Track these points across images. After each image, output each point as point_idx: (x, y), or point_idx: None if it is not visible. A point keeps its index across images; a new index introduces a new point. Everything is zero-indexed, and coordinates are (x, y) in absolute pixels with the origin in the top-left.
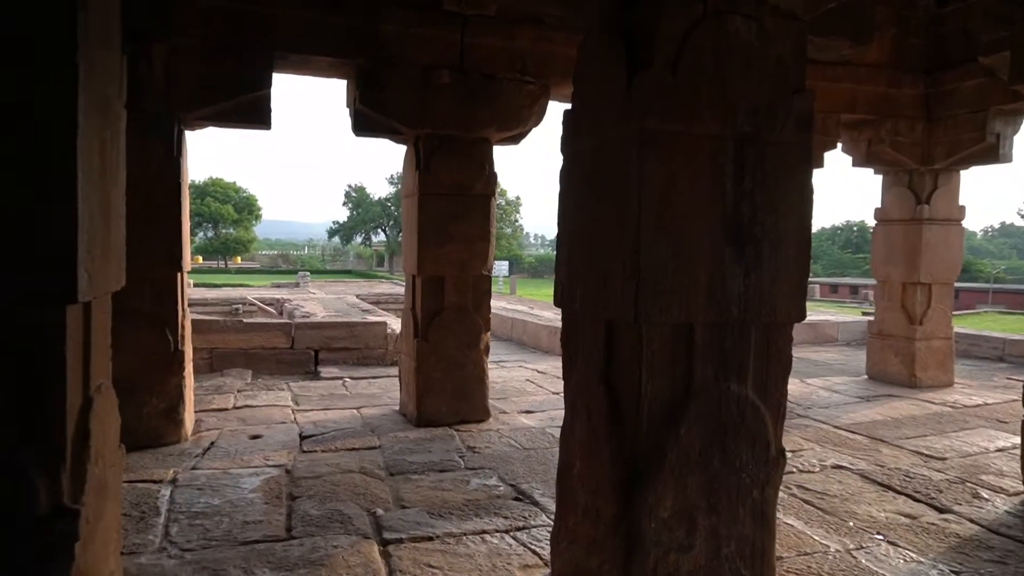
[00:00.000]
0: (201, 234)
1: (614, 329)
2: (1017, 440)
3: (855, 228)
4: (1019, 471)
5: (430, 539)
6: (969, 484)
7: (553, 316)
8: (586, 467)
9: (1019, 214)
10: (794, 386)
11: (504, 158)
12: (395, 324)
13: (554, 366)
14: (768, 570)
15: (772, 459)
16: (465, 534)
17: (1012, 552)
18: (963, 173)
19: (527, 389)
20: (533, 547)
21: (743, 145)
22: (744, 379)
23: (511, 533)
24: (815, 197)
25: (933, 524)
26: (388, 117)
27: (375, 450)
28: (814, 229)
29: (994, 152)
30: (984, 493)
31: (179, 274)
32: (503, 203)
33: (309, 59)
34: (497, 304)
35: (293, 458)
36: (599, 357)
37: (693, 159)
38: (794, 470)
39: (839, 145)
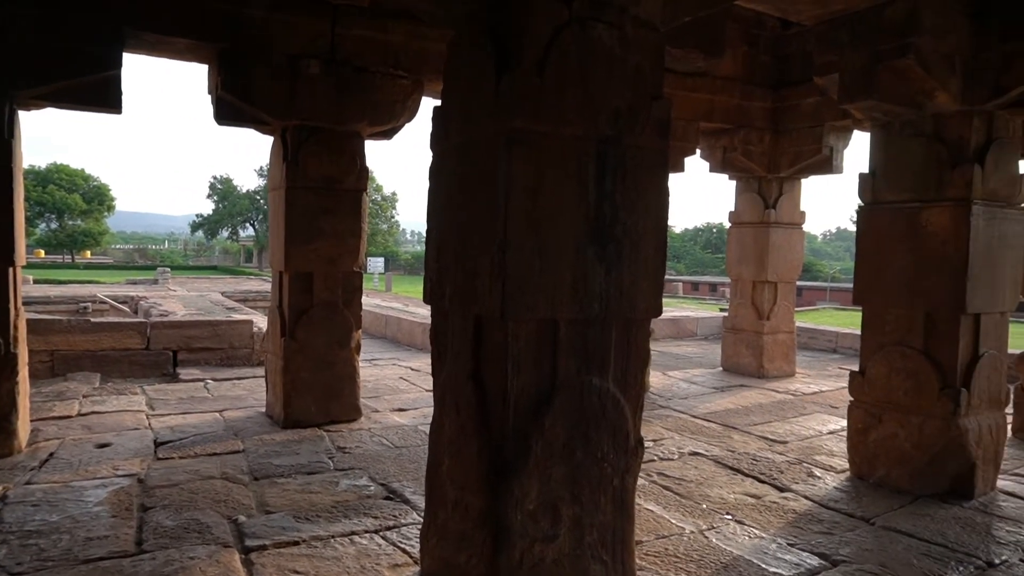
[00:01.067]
0: (43, 226)
1: (482, 325)
2: (846, 423)
3: (714, 230)
4: (846, 451)
5: (296, 544)
6: (805, 464)
7: (428, 313)
8: (455, 463)
9: (852, 220)
10: (657, 378)
11: (380, 153)
12: (263, 322)
13: (428, 363)
14: (627, 555)
15: (631, 449)
16: (333, 536)
17: (838, 523)
18: (805, 181)
19: (400, 387)
20: (403, 546)
21: (605, 147)
22: (606, 373)
23: (381, 533)
24: (679, 199)
25: (775, 502)
26: (253, 106)
27: (239, 454)
28: (678, 230)
29: (828, 164)
30: (817, 472)
31: (11, 269)
32: (379, 199)
33: (165, 39)
34: (371, 301)
35: (147, 466)
36: (468, 353)
37: (559, 159)
38: (655, 458)
39: (698, 151)
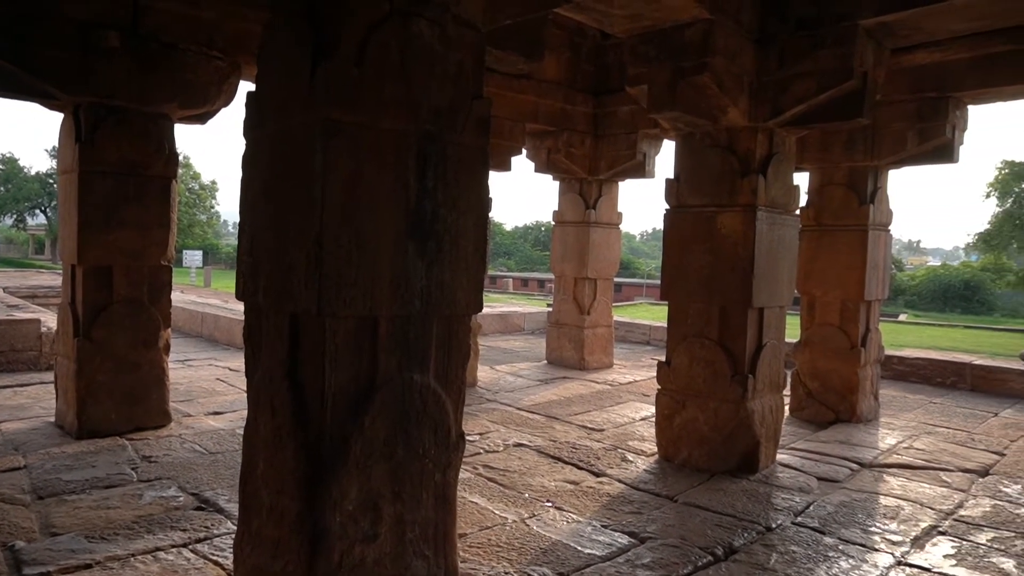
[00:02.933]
0: None
1: (299, 322)
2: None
3: (543, 228)
4: (655, 436)
5: (87, 567)
6: (620, 450)
7: None
8: (271, 466)
9: None
10: (484, 373)
11: (198, 138)
12: (53, 321)
13: None
14: (450, 549)
15: (453, 443)
16: (134, 555)
17: (647, 503)
18: (623, 184)
19: (217, 389)
20: (215, 557)
21: (426, 143)
22: (427, 369)
23: (190, 547)
24: (509, 198)
25: (591, 487)
26: (36, 77)
27: (19, 471)
28: (508, 228)
29: (642, 168)
30: (630, 456)
31: None
32: (196, 187)
33: None
34: (186, 298)
35: None
36: (283, 351)
37: (378, 153)
38: (481, 451)
39: (524, 151)
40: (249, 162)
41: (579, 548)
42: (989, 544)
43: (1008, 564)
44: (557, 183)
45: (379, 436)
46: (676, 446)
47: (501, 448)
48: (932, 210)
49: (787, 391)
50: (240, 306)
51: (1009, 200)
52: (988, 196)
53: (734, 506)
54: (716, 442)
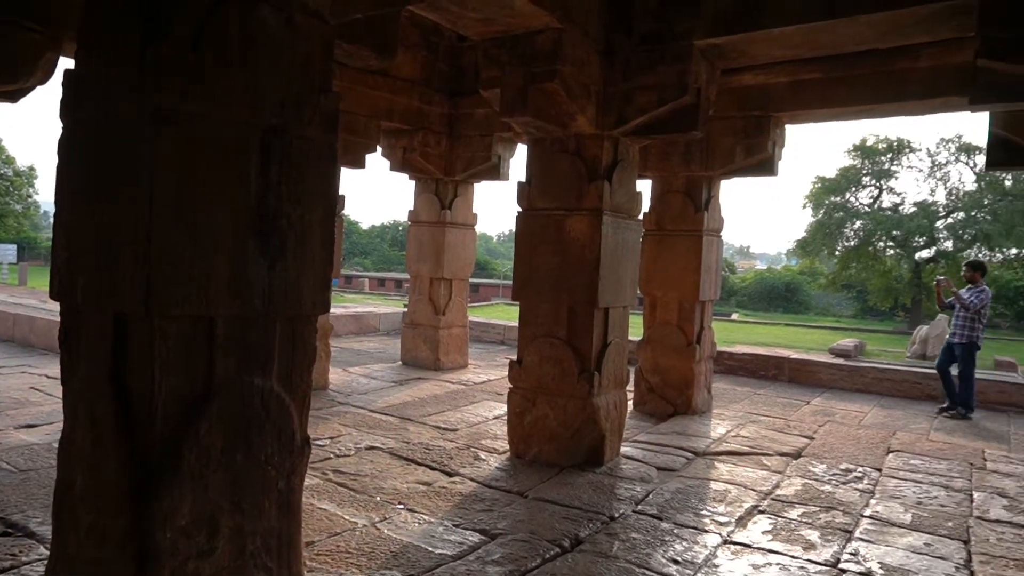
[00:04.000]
0: None
1: (125, 323)
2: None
3: (400, 227)
4: (507, 434)
5: None
6: (473, 449)
7: None
8: (90, 482)
9: None
10: (337, 375)
11: (13, 119)
12: None
13: None
14: (295, 558)
15: (298, 448)
16: None
17: (498, 500)
18: (479, 185)
19: (31, 399)
20: None
21: (270, 136)
22: (269, 372)
23: None
24: (365, 196)
25: (444, 487)
26: None
27: None
28: (365, 227)
29: (496, 171)
30: (483, 455)
31: None
32: (10, 173)
33: None
34: None
35: None
36: (106, 354)
37: (216, 144)
38: (332, 455)
39: (379, 149)
40: (66, 147)
41: (430, 549)
42: (799, 519)
43: (813, 535)
44: (413, 183)
45: (216, 444)
46: (527, 443)
47: (353, 452)
48: (760, 219)
49: (631, 387)
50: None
51: (821, 211)
52: (804, 207)
53: (581, 498)
54: (565, 437)
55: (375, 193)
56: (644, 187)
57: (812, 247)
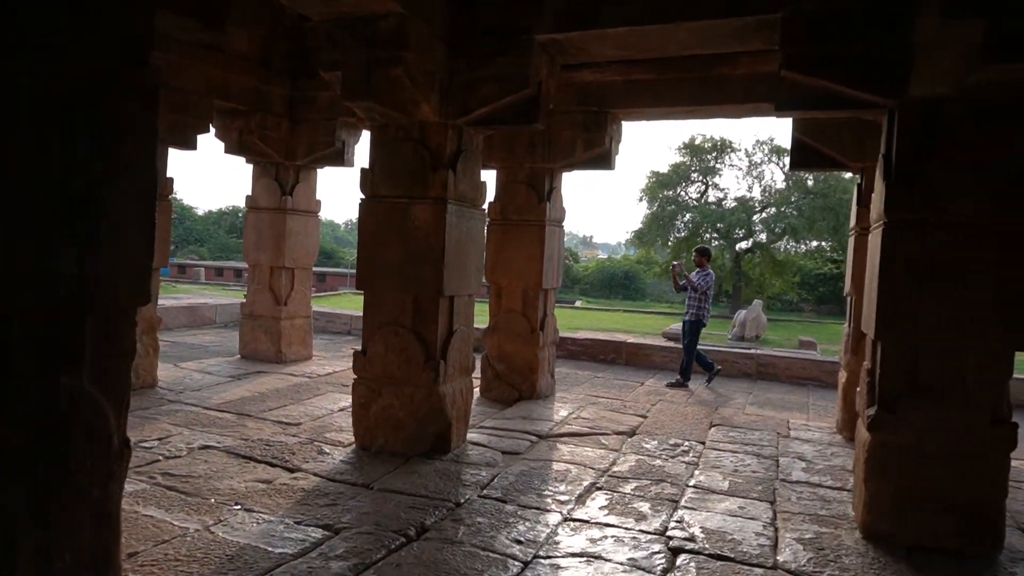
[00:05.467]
0: None
1: None
2: None
3: (240, 213)
4: (352, 426)
5: None
6: (317, 443)
7: None
8: None
9: None
10: (167, 371)
11: None
12: None
13: None
14: (113, 571)
15: (116, 453)
16: None
17: (343, 493)
18: (325, 171)
19: None
20: None
21: (77, 110)
22: (78, 371)
23: None
24: (200, 179)
25: (285, 484)
26: None
27: None
28: (201, 212)
29: (341, 156)
30: (327, 448)
31: None
32: None
33: None
34: None
35: None
36: None
37: (12, 117)
38: (160, 457)
39: (213, 130)
40: None
41: (270, 549)
42: (633, 492)
43: (645, 507)
44: (252, 167)
45: (15, 453)
46: (373, 434)
47: (184, 452)
48: (602, 210)
49: (477, 374)
50: None
51: (655, 204)
52: (641, 200)
53: (427, 486)
54: (411, 426)
55: (212, 177)
56: (489, 177)
57: (648, 238)
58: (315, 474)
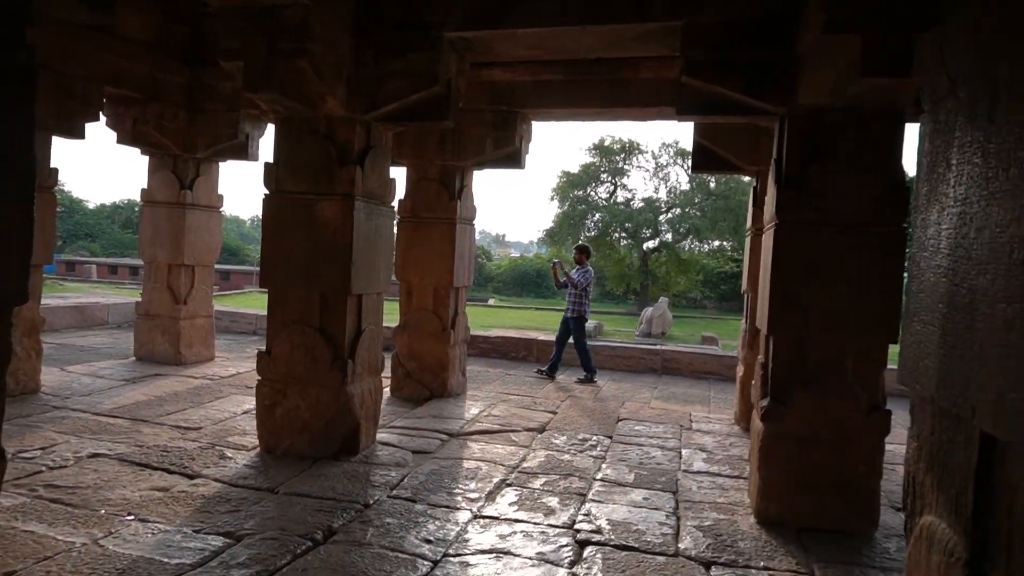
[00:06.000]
0: None
1: None
2: None
3: (136, 207)
4: (256, 429)
5: None
6: (218, 448)
7: None
8: None
9: None
10: (53, 376)
11: None
12: None
13: None
14: None
15: None
16: None
17: (246, 499)
18: (230, 165)
19: None
20: None
21: None
22: None
23: None
24: (92, 171)
25: (184, 492)
26: None
27: None
28: (92, 205)
29: (244, 150)
30: (229, 453)
31: None
32: None
33: None
34: None
35: None
36: None
37: None
38: (43, 468)
39: (103, 118)
40: None
41: (166, 560)
42: (542, 488)
43: (554, 501)
44: (148, 158)
45: None
46: (278, 436)
47: (71, 462)
48: (515, 209)
49: (387, 373)
50: None
51: (566, 204)
52: (552, 199)
53: (335, 489)
54: (318, 428)
55: (106, 169)
56: (399, 174)
57: (559, 236)
58: (216, 480)
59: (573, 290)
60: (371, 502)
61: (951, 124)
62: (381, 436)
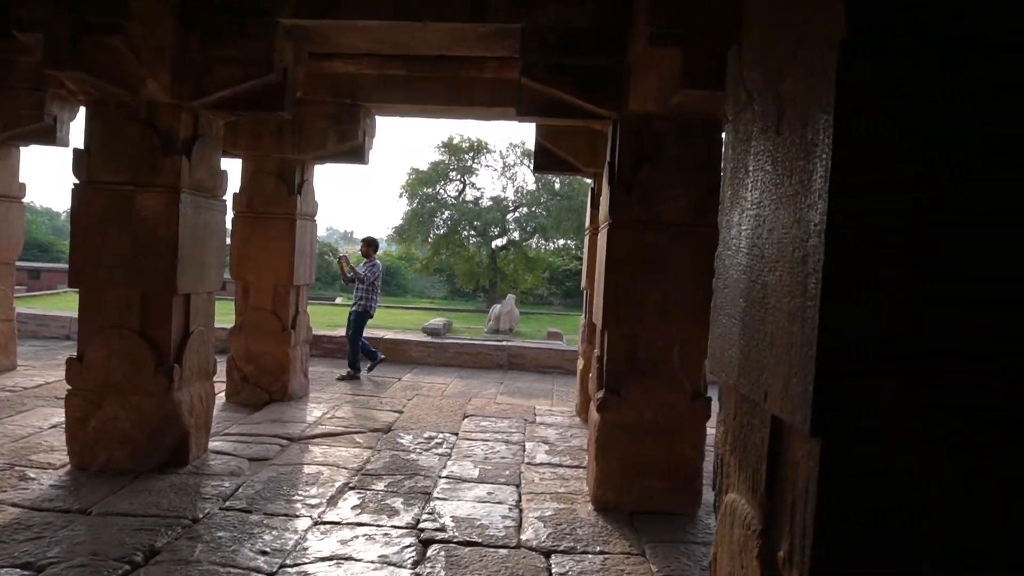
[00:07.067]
0: None
1: None
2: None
3: None
4: (66, 444)
5: None
6: (19, 468)
7: None
8: None
9: None
10: None
11: None
12: None
13: None
14: None
15: None
16: None
17: (51, 523)
18: (31, 150)
19: None
20: None
21: None
22: None
23: None
24: None
25: None
26: None
27: None
28: None
29: (52, 134)
30: (32, 473)
31: None
32: None
33: None
34: None
35: None
36: None
37: None
38: None
39: None
40: None
41: None
42: (386, 489)
43: (398, 502)
44: None
45: None
46: (93, 451)
47: None
48: (363, 206)
49: (222, 377)
50: None
51: (416, 201)
52: (401, 196)
53: (160, 504)
54: (141, 439)
55: None
56: (234, 167)
57: (408, 234)
58: (15, 504)
59: (361, 285)
60: (201, 516)
61: (749, 134)
62: (215, 444)
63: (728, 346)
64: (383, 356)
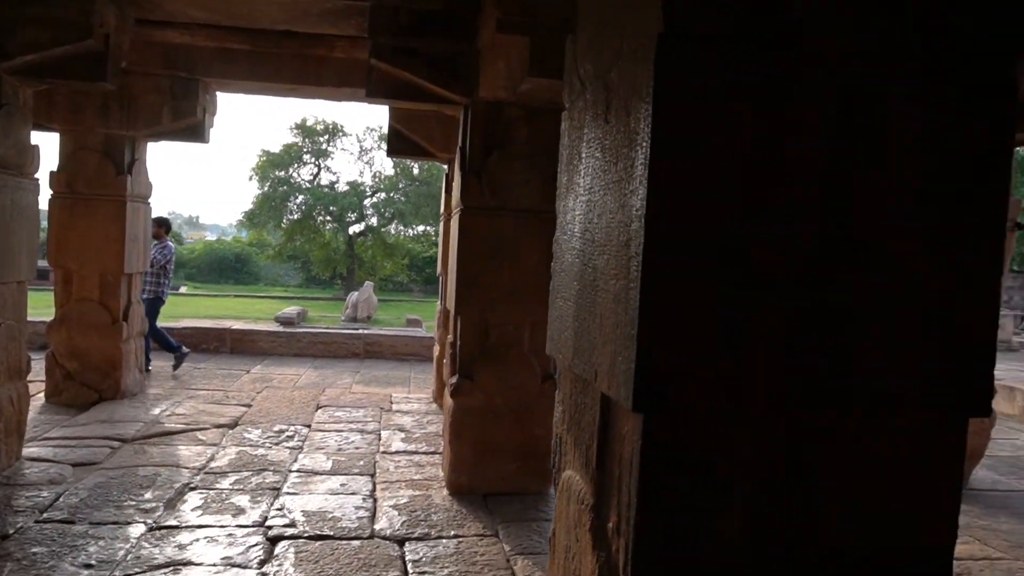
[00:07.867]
0: None
1: None
2: None
3: None
4: None
5: None
6: None
7: None
8: None
9: None
10: None
11: None
12: None
13: None
14: None
15: None
16: None
17: None
18: None
19: None
20: None
21: None
22: None
23: None
24: None
25: None
26: None
27: None
28: None
29: None
30: None
31: None
32: None
33: None
34: None
35: None
36: None
37: None
38: None
39: None
40: None
41: None
42: (232, 487)
43: (244, 500)
44: None
45: None
46: None
47: None
48: (211, 189)
49: (39, 376)
50: None
51: (267, 185)
52: (251, 179)
53: None
54: None
55: None
56: (51, 141)
57: (260, 219)
58: None
59: (150, 269)
60: (11, 532)
61: (582, 122)
62: (30, 451)
63: (564, 328)
64: (187, 351)
